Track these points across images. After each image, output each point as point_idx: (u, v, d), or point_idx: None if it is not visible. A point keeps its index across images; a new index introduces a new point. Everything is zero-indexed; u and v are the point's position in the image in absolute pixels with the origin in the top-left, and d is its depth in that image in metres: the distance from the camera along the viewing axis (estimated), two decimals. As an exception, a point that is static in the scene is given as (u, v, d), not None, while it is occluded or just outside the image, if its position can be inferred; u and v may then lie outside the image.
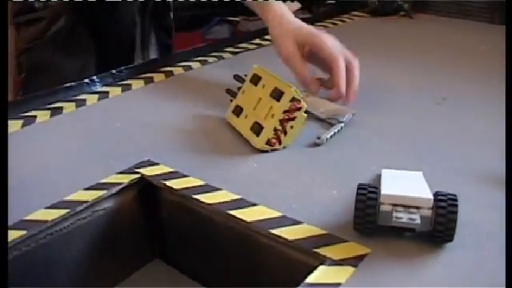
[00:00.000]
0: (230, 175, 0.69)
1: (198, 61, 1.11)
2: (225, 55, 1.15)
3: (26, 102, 0.96)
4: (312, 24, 1.32)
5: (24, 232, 0.60)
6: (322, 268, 0.53)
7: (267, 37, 1.20)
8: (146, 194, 0.69)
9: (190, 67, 1.08)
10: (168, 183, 0.67)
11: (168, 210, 0.69)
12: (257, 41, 1.23)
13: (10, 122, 0.88)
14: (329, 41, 0.86)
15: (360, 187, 0.56)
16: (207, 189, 0.66)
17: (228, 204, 0.63)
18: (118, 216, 0.68)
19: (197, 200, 0.64)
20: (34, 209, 0.64)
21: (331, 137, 0.77)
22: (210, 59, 1.13)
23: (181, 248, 0.71)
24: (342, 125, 0.80)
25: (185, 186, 0.66)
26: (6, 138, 0.61)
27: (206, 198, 0.64)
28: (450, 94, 0.92)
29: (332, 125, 0.80)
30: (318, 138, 0.75)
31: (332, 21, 1.39)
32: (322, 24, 1.35)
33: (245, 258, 0.63)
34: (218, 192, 0.65)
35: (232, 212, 0.62)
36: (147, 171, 0.69)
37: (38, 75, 1.16)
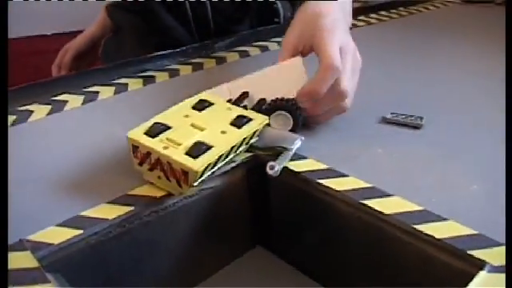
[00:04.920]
0: (354, 160, 0.58)
1: (275, 42, 1.00)
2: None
3: (116, 68, 0.87)
4: (404, 7, 1.21)
5: (131, 208, 0.51)
6: (483, 274, 0.43)
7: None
8: (256, 173, 0.58)
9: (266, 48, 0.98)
10: (286, 164, 0.56)
11: (280, 194, 0.59)
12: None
13: (101, 88, 0.79)
14: (331, 47, 0.62)
15: None
16: (332, 174, 0.55)
17: (359, 192, 0.52)
18: (225, 196, 0.58)
19: (322, 185, 0.53)
20: (141, 184, 0.54)
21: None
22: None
23: (288, 236, 0.61)
24: (292, 153, 0.58)
25: (307, 169, 0.56)
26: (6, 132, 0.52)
27: (334, 184, 0.53)
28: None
29: (279, 153, 0.58)
30: (272, 168, 0.54)
31: (424, 5, 1.26)
32: (415, 8, 1.23)
33: (373, 255, 0.53)
34: (346, 178, 0.54)
35: (365, 202, 0.51)
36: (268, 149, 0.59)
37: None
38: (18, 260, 0.45)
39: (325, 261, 0.58)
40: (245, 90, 0.65)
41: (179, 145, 0.51)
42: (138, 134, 0.52)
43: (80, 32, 1.24)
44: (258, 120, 0.57)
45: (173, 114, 0.56)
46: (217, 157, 0.51)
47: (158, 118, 0.55)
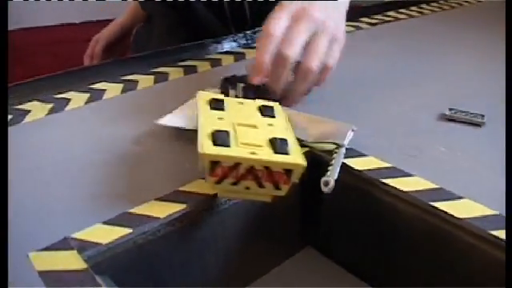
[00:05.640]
0: (416, 159, 0.53)
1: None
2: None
3: (154, 57, 0.82)
4: (445, 0, 1.16)
5: (183, 206, 0.46)
6: None
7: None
8: (309, 170, 0.53)
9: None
10: (344, 161, 0.52)
11: (335, 193, 0.54)
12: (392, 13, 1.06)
13: (141, 77, 0.75)
14: (274, 13, 0.60)
15: None
16: (396, 173, 0.50)
17: (426, 193, 0.47)
18: (277, 194, 0.53)
19: (387, 185, 0.49)
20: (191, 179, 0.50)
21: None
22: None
23: (341, 237, 0.57)
24: (344, 150, 0.53)
25: (369, 168, 0.51)
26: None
27: (399, 184, 0.48)
28: None
29: (331, 152, 0.53)
30: (326, 184, 0.49)
31: (466, -1, 1.20)
32: (457, 2, 1.17)
33: (438, 260, 0.48)
34: (410, 178, 0.49)
35: (434, 204, 0.46)
36: (317, 144, 0.54)
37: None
38: (64, 260, 0.41)
39: (382, 264, 0.54)
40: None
41: (260, 146, 0.46)
42: (212, 148, 0.44)
43: (108, 20, 1.20)
44: (276, 105, 0.55)
45: (207, 118, 0.50)
46: (299, 147, 0.47)
47: (207, 126, 0.48)
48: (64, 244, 0.42)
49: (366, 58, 0.81)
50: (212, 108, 0.52)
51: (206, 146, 0.44)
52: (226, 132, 0.46)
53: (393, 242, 0.52)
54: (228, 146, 0.45)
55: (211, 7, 1.01)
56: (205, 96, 0.54)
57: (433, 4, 1.14)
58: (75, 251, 0.41)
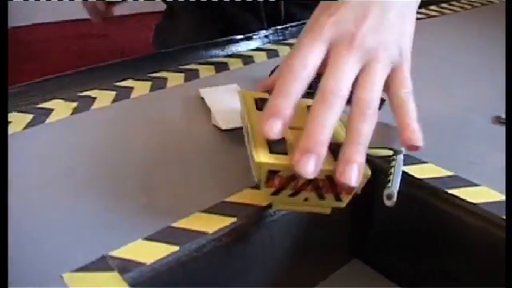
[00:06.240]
0: (477, 167, 0.48)
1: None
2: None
3: (182, 53, 0.77)
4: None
5: (233, 219, 0.41)
6: None
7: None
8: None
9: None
10: (403, 168, 0.46)
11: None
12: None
13: (170, 75, 0.70)
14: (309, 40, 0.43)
15: None
16: (460, 183, 0.45)
17: (495, 206, 0.43)
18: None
19: (452, 196, 0.43)
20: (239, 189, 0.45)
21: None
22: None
23: (392, 250, 0.52)
24: (402, 157, 0.48)
25: (430, 176, 0.46)
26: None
27: (465, 195, 0.43)
28: None
29: (389, 159, 0.48)
30: (390, 197, 0.43)
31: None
32: (479, 0, 1.11)
33: (503, 277, 0.42)
34: (477, 188, 0.44)
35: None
36: (372, 150, 0.49)
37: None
38: (104, 282, 0.36)
39: (440, 280, 0.49)
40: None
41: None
42: (270, 156, 0.39)
43: (122, 16, 1.14)
44: None
45: (257, 121, 0.44)
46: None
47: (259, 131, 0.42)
48: (102, 263, 0.37)
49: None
50: (259, 109, 0.47)
51: (262, 154, 0.39)
52: (283, 138, 0.41)
53: (455, 257, 0.47)
54: (286, 153, 0.40)
55: (246, 6, 0.96)
56: (249, 95, 0.49)
57: (463, 1, 1.08)
58: (116, 272, 0.36)
